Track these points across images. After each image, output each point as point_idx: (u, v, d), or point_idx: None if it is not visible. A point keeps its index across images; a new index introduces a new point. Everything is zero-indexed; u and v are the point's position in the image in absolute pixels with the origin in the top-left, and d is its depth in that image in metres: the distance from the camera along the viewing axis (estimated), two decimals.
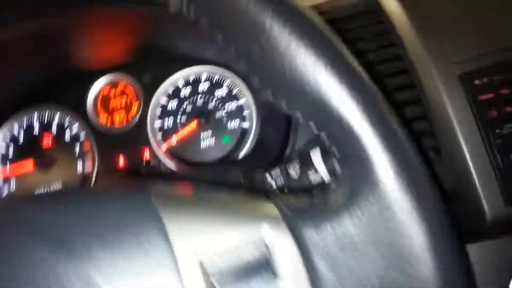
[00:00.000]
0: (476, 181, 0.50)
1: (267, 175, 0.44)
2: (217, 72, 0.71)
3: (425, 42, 0.55)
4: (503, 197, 0.50)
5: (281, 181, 0.43)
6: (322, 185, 0.42)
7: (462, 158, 0.51)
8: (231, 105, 0.71)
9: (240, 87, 0.70)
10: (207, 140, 0.70)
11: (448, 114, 0.52)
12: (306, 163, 0.43)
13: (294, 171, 0.42)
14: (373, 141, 0.28)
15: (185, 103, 0.71)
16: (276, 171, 0.43)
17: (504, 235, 0.55)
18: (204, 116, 0.70)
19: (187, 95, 0.71)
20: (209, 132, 0.70)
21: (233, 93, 0.71)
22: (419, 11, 0.56)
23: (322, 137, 0.30)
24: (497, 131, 0.51)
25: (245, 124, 0.69)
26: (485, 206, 0.50)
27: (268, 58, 0.29)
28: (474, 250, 0.55)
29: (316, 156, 0.42)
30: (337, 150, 0.29)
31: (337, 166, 0.30)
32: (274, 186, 0.43)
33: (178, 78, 0.72)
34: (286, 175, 0.43)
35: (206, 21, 0.30)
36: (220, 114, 0.70)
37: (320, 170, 0.42)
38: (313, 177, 0.43)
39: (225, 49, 0.30)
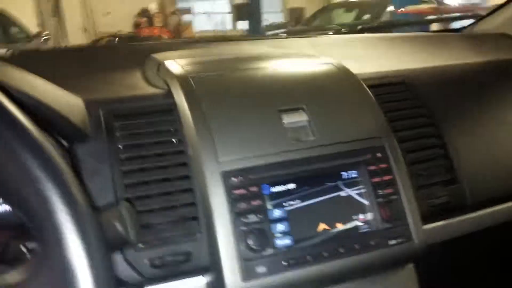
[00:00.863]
0: (222, 261, 0.62)
1: None
2: None
3: (201, 142, 0.67)
4: (241, 274, 0.62)
5: None
6: None
7: (215, 240, 0.63)
8: None
9: None
10: None
11: (210, 203, 0.64)
12: None
13: None
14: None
15: None
16: None
17: None
18: None
19: None
20: None
21: None
22: (202, 114, 0.69)
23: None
24: (243, 220, 0.64)
25: None
26: (226, 282, 0.62)
27: None
28: None
29: None
30: None
31: None
32: None
33: None
34: None
35: None
36: None
37: None
38: None
39: None
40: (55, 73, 0.80)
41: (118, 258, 0.63)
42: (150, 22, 8.89)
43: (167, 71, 0.79)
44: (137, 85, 0.82)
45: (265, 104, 0.74)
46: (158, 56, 0.91)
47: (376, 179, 0.72)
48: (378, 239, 0.69)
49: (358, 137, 0.74)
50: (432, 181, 0.81)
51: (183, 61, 0.83)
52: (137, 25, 8.87)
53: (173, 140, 0.71)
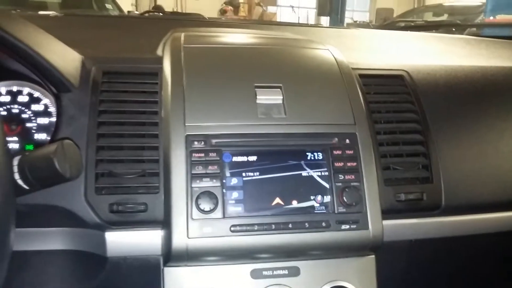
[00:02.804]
0: (172, 216, 0.67)
1: None
2: (38, 90, 0.85)
3: (173, 105, 0.72)
4: (187, 231, 0.66)
5: None
6: None
7: (169, 197, 0.68)
8: (44, 120, 0.84)
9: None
10: (11, 145, 0.82)
11: (170, 162, 0.69)
12: None
13: None
14: None
15: (1, 108, 0.84)
16: None
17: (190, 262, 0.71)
18: (14, 123, 0.83)
19: (6, 101, 0.84)
20: (15, 138, 0.82)
21: (48, 110, 0.84)
22: (181, 80, 0.74)
23: None
24: (198, 182, 0.68)
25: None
26: (173, 236, 0.66)
27: None
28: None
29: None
30: None
31: None
32: None
33: (1, 85, 0.84)
34: None
35: None
36: (30, 125, 0.83)
37: None
38: None
39: None
40: (76, 34, 0.89)
41: (80, 199, 0.69)
42: (236, 11, 9.08)
43: (169, 40, 0.84)
44: (141, 50, 0.89)
45: (244, 79, 0.76)
46: (180, 30, 0.96)
47: (339, 164, 0.72)
48: (331, 222, 0.70)
49: (329, 121, 0.75)
50: (405, 176, 0.79)
51: (190, 35, 0.88)
52: (223, 13, 9.12)
53: (150, 99, 0.76)
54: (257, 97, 0.75)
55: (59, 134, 0.71)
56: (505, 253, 0.91)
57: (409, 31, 1.45)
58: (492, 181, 0.83)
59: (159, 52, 0.86)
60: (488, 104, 0.89)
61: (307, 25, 1.40)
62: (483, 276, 0.94)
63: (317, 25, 1.36)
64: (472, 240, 0.84)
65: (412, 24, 1.59)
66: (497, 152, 0.85)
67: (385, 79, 0.87)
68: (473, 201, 0.82)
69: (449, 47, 1.18)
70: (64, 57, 0.76)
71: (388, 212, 0.75)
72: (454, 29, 1.83)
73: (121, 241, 0.71)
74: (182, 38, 0.83)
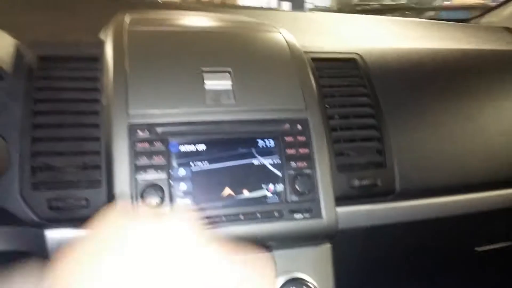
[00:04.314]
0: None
1: None
2: None
3: (115, 92, 0.67)
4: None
5: None
6: None
7: (112, 191, 0.63)
8: None
9: None
10: None
11: (112, 153, 0.64)
12: None
13: None
14: None
15: None
16: None
17: None
18: None
19: None
20: None
21: None
22: (123, 65, 0.69)
23: None
24: (142, 174, 0.64)
25: None
26: None
27: None
28: None
29: None
30: None
31: None
32: None
33: None
34: None
35: None
36: None
37: None
38: None
39: None
40: (11, 16, 0.82)
41: (15, 195, 0.64)
42: None
43: (112, 23, 0.79)
44: (82, 33, 0.83)
45: (190, 63, 0.73)
46: (129, 12, 0.91)
47: (291, 151, 0.70)
48: (283, 211, 0.68)
49: (280, 107, 0.72)
50: (358, 162, 0.78)
51: (136, 18, 0.83)
52: None
53: (90, 87, 0.71)
54: (205, 82, 0.71)
55: None
56: (459, 236, 0.92)
57: (364, 15, 1.44)
58: (446, 164, 0.83)
59: (101, 35, 0.81)
60: (441, 86, 0.89)
61: (264, 8, 1.36)
62: (438, 260, 0.95)
63: (276, 9, 1.33)
64: (427, 224, 0.84)
65: (368, 7, 1.58)
66: (451, 135, 0.85)
67: (337, 63, 0.85)
68: (427, 185, 0.81)
69: (403, 30, 1.17)
70: None
71: (342, 199, 0.74)
72: (409, 13, 1.83)
73: (62, 239, 0.66)
74: (127, 21, 0.78)
